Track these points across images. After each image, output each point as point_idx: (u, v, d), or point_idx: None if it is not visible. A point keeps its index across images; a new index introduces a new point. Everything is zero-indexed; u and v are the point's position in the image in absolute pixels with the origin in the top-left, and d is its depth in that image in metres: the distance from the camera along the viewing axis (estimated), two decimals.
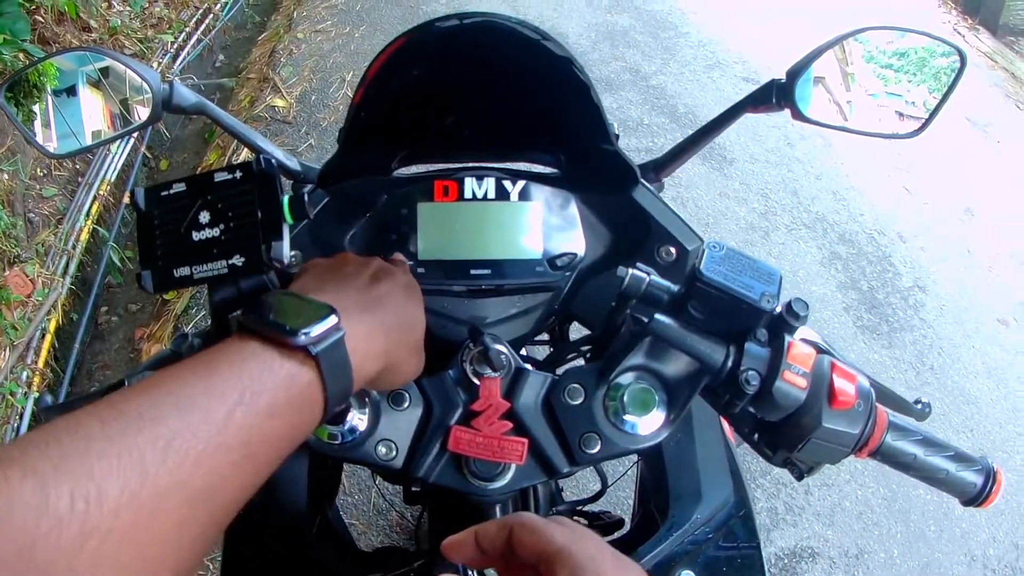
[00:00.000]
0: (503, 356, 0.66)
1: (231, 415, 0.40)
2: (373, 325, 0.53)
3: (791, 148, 3.58)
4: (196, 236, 0.53)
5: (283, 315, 0.46)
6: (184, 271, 0.54)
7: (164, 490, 0.36)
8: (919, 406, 0.69)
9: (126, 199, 3.04)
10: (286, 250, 0.52)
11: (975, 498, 0.63)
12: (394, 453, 0.66)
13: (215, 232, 0.53)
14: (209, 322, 0.57)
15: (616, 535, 0.92)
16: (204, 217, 0.53)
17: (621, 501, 1.93)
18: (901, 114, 0.94)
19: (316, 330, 0.46)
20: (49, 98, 0.94)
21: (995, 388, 2.70)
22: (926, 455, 0.63)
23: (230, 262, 0.52)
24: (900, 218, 3.36)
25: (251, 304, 0.48)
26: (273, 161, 0.54)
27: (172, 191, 0.55)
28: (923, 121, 0.88)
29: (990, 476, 0.62)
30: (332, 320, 0.47)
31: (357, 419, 0.65)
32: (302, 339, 0.45)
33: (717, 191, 3.20)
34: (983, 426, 2.56)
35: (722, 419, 0.84)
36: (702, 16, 4.51)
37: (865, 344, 2.71)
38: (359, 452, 0.65)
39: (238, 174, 0.53)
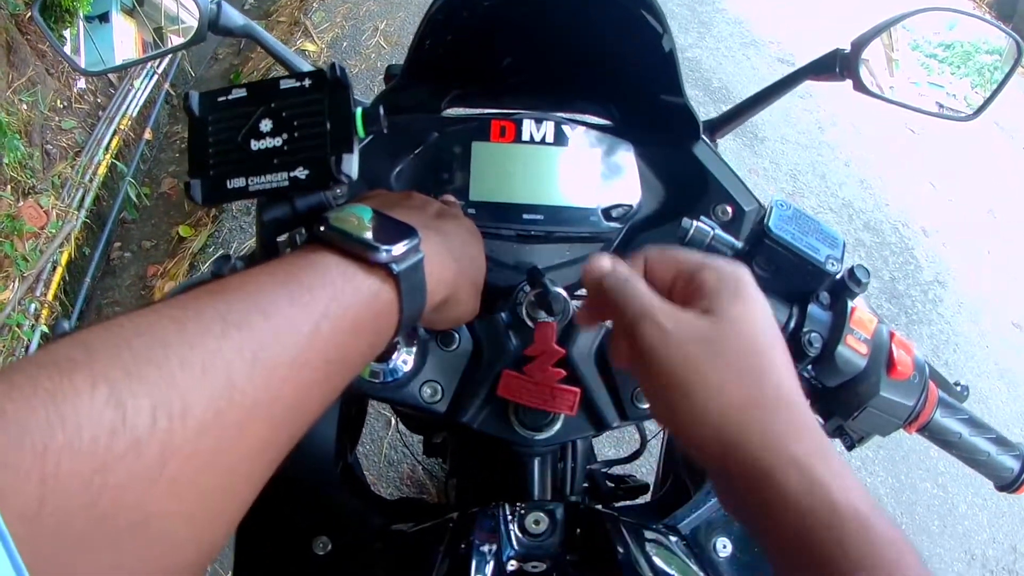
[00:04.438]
0: (561, 300, 0.64)
1: (318, 328, 0.37)
2: (443, 252, 0.50)
3: (821, 132, 3.53)
4: (255, 145, 0.48)
5: (363, 229, 0.43)
6: (238, 182, 0.48)
7: (251, 408, 0.32)
8: (958, 387, 0.68)
9: (146, 135, 3.00)
10: (355, 165, 0.47)
11: (1010, 484, 0.63)
12: (439, 396, 0.63)
13: (277, 142, 0.48)
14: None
15: (640, 500, 0.91)
16: (265, 125, 0.48)
17: (637, 467, 1.92)
18: (941, 105, 0.95)
19: (398, 248, 0.42)
20: (81, 23, 0.90)
21: (1006, 390, 2.70)
22: (971, 435, 0.63)
23: (292, 175, 0.47)
24: (924, 212, 3.32)
25: (319, 217, 0.45)
26: (347, 70, 0.50)
27: (231, 96, 0.49)
28: (978, 106, 0.90)
29: None
30: (414, 239, 0.44)
31: (403, 358, 0.62)
32: (384, 256, 0.42)
33: (747, 168, 3.15)
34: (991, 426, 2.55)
35: None
36: None
37: None
38: (402, 393, 0.62)
39: (307, 82, 0.49)
